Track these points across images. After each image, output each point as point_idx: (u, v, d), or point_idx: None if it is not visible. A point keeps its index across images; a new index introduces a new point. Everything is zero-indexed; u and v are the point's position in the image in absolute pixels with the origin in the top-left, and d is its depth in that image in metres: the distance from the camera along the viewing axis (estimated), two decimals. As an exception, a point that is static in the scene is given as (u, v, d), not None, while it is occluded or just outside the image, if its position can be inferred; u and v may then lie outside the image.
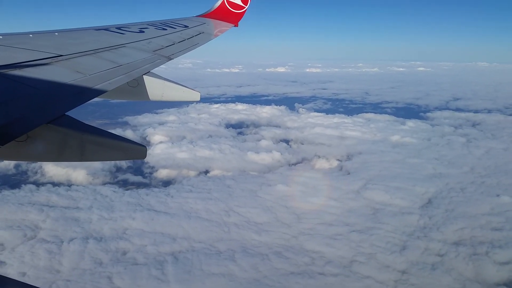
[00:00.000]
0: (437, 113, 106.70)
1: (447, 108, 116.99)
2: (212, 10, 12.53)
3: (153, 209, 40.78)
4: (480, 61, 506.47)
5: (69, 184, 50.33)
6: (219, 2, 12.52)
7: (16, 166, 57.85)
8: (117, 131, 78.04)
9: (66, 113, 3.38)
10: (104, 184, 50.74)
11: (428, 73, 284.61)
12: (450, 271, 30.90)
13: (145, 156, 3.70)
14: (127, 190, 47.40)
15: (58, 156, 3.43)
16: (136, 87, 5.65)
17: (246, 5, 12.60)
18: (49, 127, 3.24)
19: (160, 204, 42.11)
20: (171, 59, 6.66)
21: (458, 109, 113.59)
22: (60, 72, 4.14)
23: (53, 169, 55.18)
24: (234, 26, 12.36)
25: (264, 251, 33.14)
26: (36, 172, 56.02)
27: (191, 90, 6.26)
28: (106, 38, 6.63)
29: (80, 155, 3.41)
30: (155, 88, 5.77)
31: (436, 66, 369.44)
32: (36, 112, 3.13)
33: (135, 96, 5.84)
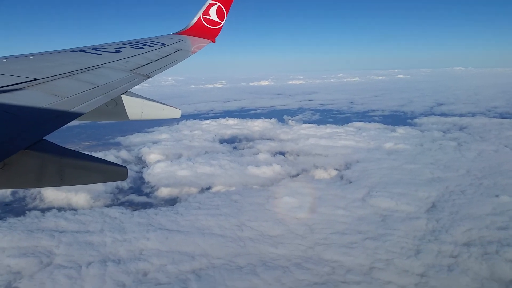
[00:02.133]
0: (424, 119, 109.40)
1: (432, 114, 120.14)
2: (189, 27, 12.60)
3: (166, 228, 40.79)
4: (456, 66, 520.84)
5: (71, 208, 49.91)
6: (195, 19, 12.63)
7: (13, 193, 57.01)
8: (111, 152, 78.05)
9: (43, 138, 3.33)
10: (108, 206, 50.49)
11: (408, 80, 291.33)
12: (466, 271, 31.85)
13: (126, 177, 3.67)
14: (134, 211, 47.26)
15: (37, 182, 3.36)
16: (115, 107, 5.63)
17: (223, 21, 12.70)
18: (27, 153, 3.20)
19: (171, 223, 42.15)
20: (149, 77, 6.70)
21: (443, 114, 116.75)
22: (36, 96, 4.09)
23: (52, 194, 54.62)
24: (212, 42, 12.49)
25: (284, 263, 33.55)
26: (34, 198, 55.28)
27: (171, 107, 6.21)
28: (83, 59, 6.60)
29: (60, 180, 3.35)
30: (134, 107, 5.77)
31: (414, 73, 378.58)
32: (12, 139, 3.10)
33: (114, 116, 5.82)
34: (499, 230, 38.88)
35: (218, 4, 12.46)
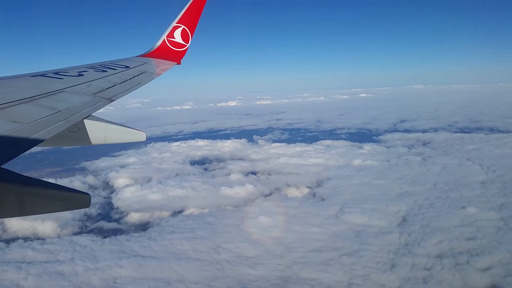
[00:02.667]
0: (388, 136, 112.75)
1: (396, 130, 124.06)
2: (154, 49, 12.56)
3: (139, 255, 39.73)
4: (415, 84, 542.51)
5: (37, 238, 47.86)
6: (160, 41, 12.60)
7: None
8: (77, 178, 75.76)
9: (2, 166, 3.23)
10: (77, 234, 48.76)
11: (370, 98, 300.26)
12: (440, 282, 32.68)
13: (89, 204, 3.54)
14: (105, 238, 45.79)
15: None
16: (77, 132, 5.54)
17: (188, 43, 12.72)
18: None
19: (144, 249, 41.12)
20: (112, 100, 6.58)
21: (406, 130, 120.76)
22: None
23: (16, 224, 52.24)
24: (177, 64, 12.48)
25: (263, 284, 33.36)
26: (-3, 229, 52.67)
27: (135, 130, 6.13)
28: (43, 84, 6.41)
29: (20, 210, 3.19)
30: (97, 131, 5.66)
31: (376, 91, 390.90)
32: None
33: (76, 141, 5.71)
34: (468, 241, 40.25)
35: (183, 26, 12.47)
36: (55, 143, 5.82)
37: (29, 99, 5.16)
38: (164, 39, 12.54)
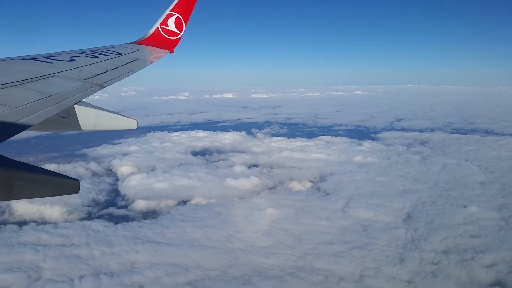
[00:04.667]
0: (386, 134, 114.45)
1: (393, 129, 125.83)
2: (147, 36, 12.40)
3: (153, 241, 40.52)
4: (409, 83, 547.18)
5: (45, 222, 48.30)
6: (153, 29, 12.44)
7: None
8: (80, 164, 75.98)
9: None
10: (86, 219, 49.24)
11: (365, 96, 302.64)
12: (449, 277, 34.04)
13: (78, 190, 3.52)
14: (116, 224, 46.45)
15: None
16: (67, 118, 5.50)
17: (181, 32, 12.54)
18: None
19: (158, 236, 41.90)
20: (104, 87, 6.48)
21: (403, 129, 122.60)
22: None
23: (23, 207, 52.58)
24: (170, 52, 12.34)
25: (278, 273, 34.39)
26: (3, 212, 52.94)
27: (127, 118, 6.09)
28: (34, 67, 6.29)
29: (8, 194, 3.15)
30: (87, 117, 5.63)
31: (370, 89, 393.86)
32: None
33: (66, 127, 5.68)
34: (472, 238, 41.74)
35: (177, 15, 12.36)
36: (45, 128, 5.73)
37: (19, 83, 5.06)
38: (158, 27, 12.43)
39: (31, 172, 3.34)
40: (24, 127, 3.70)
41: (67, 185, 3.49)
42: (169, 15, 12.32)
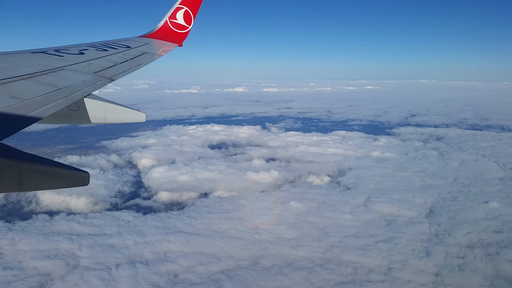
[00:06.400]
0: (401, 129, 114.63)
1: (408, 124, 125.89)
2: (155, 30, 12.41)
3: (183, 231, 41.62)
4: (420, 78, 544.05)
5: (71, 212, 49.56)
6: (162, 22, 12.46)
7: (6, 197, 55.95)
8: (101, 156, 77.38)
9: (1, 142, 3.25)
10: (111, 210, 50.45)
11: (377, 91, 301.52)
12: (475, 270, 34.69)
13: (87, 182, 3.54)
14: (145, 214, 47.66)
15: None
16: (77, 110, 5.54)
17: (190, 25, 12.50)
18: None
19: (187, 226, 43.00)
20: (113, 80, 6.52)
21: (418, 125, 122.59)
22: None
23: (49, 198, 53.98)
24: (179, 46, 12.31)
25: (308, 264, 35.30)
26: (30, 202, 54.48)
27: (136, 111, 6.12)
28: (44, 61, 6.38)
29: (19, 186, 3.21)
30: (97, 110, 5.66)
31: (382, 84, 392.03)
32: None
33: (76, 120, 5.73)
34: (495, 233, 42.26)
35: (186, 8, 12.35)
36: (55, 121, 5.79)
37: (29, 76, 5.13)
38: (166, 20, 12.45)
39: (42, 164, 3.38)
40: (34, 120, 3.76)
41: (77, 177, 3.53)
42: (178, 9, 12.37)
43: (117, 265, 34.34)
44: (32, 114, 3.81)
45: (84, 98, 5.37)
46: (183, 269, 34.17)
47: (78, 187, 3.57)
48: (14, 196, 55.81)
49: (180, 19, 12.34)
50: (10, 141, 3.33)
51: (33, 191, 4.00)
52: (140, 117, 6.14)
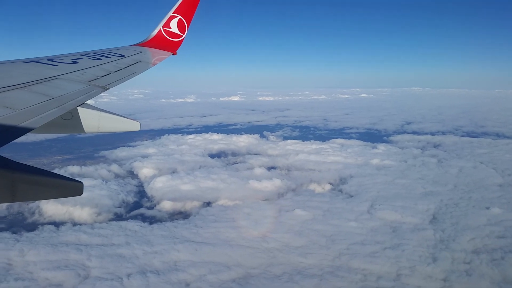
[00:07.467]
0: (399, 137, 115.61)
1: (405, 132, 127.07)
2: (149, 38, 12.45)
3: (191, 240, 41.82)
4: (413, 86, 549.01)
5: (75, 223, 49.53)
6: (156, 31, 12.49)
7: (8, 208, 55.80)
8: (101, 166, 77.34)
9: None
10: (116, 220, 50.47)
11: (371, 99, 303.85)
12: (483, 276, 35.23)
13: (81, 192, 3.47)
14: (151, 224, 47.76)
15: None
16: (70, 120, 5.50)
17: (184, 34, 12.54)
18: None
19: (195, 235, 43.21)
20: (107, 89, 6.50)
21: (415, 132, 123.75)
22: None
23: (52, 208, 53.96)
24: (173, 54, 12.37)
25: (317, 272, 35.65)
26: (33, 213, 54.39)
27: (130, 120, 6.10)
28: (37, 70, 6.36)
29: (12, 196, 3.14)
30: (90, 119, 5.63)
31: (376, 92, 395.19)
32: None
33: (69, 129, 5.70)
34: (499, 239, 42.93)
35: (180, 17, 12.41)
36: (48, 130, 5.76)
37: (22, 85, 5.08)
38: (160, 29, 12.49)
39: (35, 174, 3.33)
40: (27, 130, 3.73)
41: (71, 187, 3.48)
42: (172, 17, 12.43)
43: (128, 275, 34.47)
44: (25, 124, 3.77)
45: (78, 107, 5.37)
46: (194, 278, 34.37)
47: (73, 197, 3.53)
48: (16, 207, 55.75)
49: (174, 27, 12.44)
50: (6, 152, 3.30)
51: (26, 201, 4.07)
52: (134, 125, 6.13)
